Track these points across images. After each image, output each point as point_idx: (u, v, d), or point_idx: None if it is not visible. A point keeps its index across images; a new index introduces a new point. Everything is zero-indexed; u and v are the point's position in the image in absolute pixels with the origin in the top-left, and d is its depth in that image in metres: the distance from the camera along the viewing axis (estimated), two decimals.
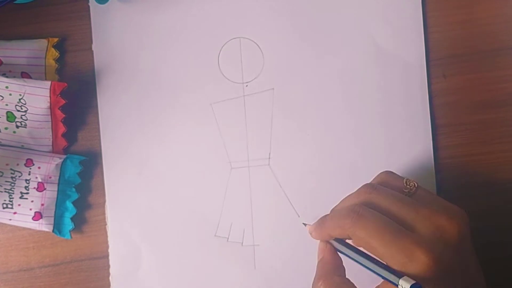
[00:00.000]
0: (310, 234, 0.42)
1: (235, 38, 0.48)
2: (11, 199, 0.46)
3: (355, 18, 0.47)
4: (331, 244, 0.40)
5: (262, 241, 0.47)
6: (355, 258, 0.38)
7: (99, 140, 0.47)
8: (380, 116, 0.47)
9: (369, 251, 0.37)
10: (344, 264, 0.40)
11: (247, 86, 0.48)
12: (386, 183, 0.41)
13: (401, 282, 0.34)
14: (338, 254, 0.40)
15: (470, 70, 0.47)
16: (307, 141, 0.47)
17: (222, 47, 0.48)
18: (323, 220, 0.41)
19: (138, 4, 0.48)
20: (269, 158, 0.47)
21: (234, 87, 0.48)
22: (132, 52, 0.48)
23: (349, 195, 0.40)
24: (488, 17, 0.47)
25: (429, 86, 0.47)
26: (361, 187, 0.40)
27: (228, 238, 0.47)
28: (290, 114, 0.47)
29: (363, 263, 0.37)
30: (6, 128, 0.46)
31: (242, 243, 0.47)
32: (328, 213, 0.41)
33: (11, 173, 0.46)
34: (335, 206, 0.41)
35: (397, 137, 0.47)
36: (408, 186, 0.39)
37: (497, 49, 0.47)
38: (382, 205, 0.38)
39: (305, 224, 0.43)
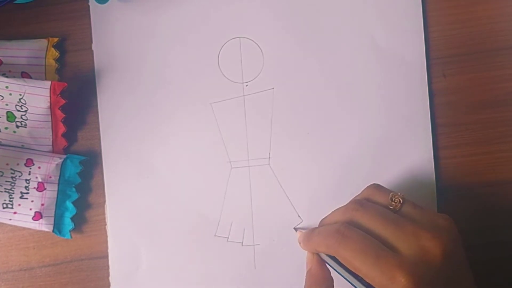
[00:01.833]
0: (299, 243, 0.42)
1: (235, 38, 0.48)
2: (11, 199, 0.46)
3: (355, 17, 0.47)
4: (318, 255, 0.41)
5: (262, 241, 0.47)
6: (340, 273, 0.39)
7: (99, 140, 0.47)
8: (380, 115, 0.47)
9: (353, 271, 0.37)
10: (333, 275, 0.40)
11: (247, 86, 0.48)
12: (373, 198, 0.41)
13: None
14: (325, 266, 0.41)
15: (470, 70, 0.47)
16: (307, 141, 0.47)
17: (222, 47, 0.48)
18: (311, 233, 0.41)
19: (138, 4, 0.48)
20: (269, 158, 0.47)
21: (234, 87, 0.48)
22: (132, 52, 0.48)
23: (338, 209, 0.41)
24: (488, 17, 0.47)
25: (429, 85, 0.47)
26: (348, 203, 0.41)
27: (228, 238, 0.47)
28: (290, 114, 0.47)
29: (348, 279, 0.38)
30: (6, 128, 0.46)
31: (242, 243, 0.47)
32: (317, 226, 0.42)
33: (11, 173, 0.46)
34: (324, 218, 0.42)
35: (397, 136, 0.47)
36: (393, 203, 0.39)
37: (497, 49, 0.47)
38: (367, 223, 0.38)
39: (296, 230, 0.43)
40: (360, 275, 0.37)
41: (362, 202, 0.40)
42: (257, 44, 0.48)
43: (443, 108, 0.47)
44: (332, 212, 0.41)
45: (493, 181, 0.47)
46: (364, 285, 0.37)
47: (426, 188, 0.46)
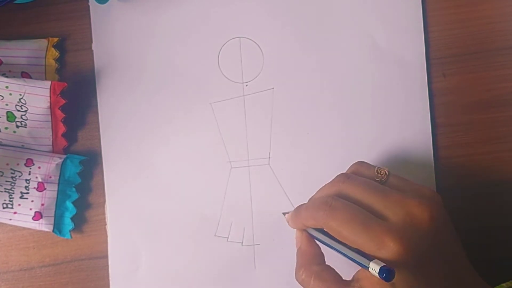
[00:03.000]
0: (287, 223, 0.43)
1: (235, 38, 0.48)
2: (11, 199, 0.46)
3: (354, 17, 0.47)
4: (307, 232, 0.41)
5: (262, 241, 0.47)
6: (329, 244, 0.39)
7: (99, 140, 0.47)
8: (380, 115, 0.47)
9: (342, 240, 0.38)
10: (324, 251, 0.41)
11: (247, 85, 0.48)
12: (359, 172, 0.41)
13: (371, 264, 0.35)
14: (315, 242, 0.41)
15: (470, 70, 0.47)
16: (307, 141, 0.47)
17: (222, 47, 0.48)
18: (299, 209, 0.42)
19: (138, 4, 0.48)
20: (269, 157, 0.47)
21: (234, 86, 0.48)
22: (132, 52, 0.48)
23: (325, 185, 0.41)
24: (488, 16, 0.47)
25: (429, 85, 0.47)
26: (336, 176, 0.41)
27: (228, 238, 0.47)
28: (290, 114, 0.47)
29: (337, 249, 0.38)
30: (6, 128, 0.46)
31: (242, 243, 0.47)
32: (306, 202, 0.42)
33: (11, 173, 0.46)
34: (313, 196, 0.42)
35: (397, 136, 0.47)
36: (379, 174, 0.40)
37: (497, 49, 0.47)
38: (354, 194, 0.39)
39: (284, 214, 0.43)
40: (349, 244, 0.37)
41: (348, 175, 0.40)
42: (257, 44, 0.48)
43: (443, 108, 0.47)
44: (320, 188, 0.42)
45: (493, 181, 0.47)
46: (353, 251, 0.37)
47: None
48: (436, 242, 0.37)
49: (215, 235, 0.47)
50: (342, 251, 0.38)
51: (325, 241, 0.39)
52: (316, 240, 0.41)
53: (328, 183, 0.41)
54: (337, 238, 0.38)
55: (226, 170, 0.47)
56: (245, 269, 0.47)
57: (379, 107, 0.47)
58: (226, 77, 0.48)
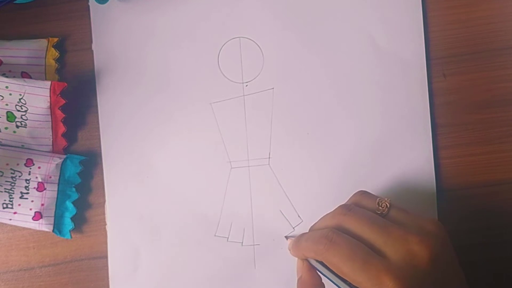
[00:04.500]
0: (289, 250, 0.43)
1: (235, 38, 0.48)
2: (11, 199, 0.46)
3: (355, 17, 0.47)
4: (308, 262, 0.41)
5: (262, 241, 0.47)
6: (330, 278, 0.39)
7: (99, 140, 0.47)
8: (380, 115, 0.47)
9: (342, 276, 0.37)
10: (324, 281, 0.40)
11: (247, 85, 0.48)
12: (360, 203, 0.41)
13: None
14: (316, 272, 0.41)
15: (470, 70, 0.47)
16: (307, 141, 0.47)
17: (222, 47, 0.48)
18: (299, 239, 0.41)
19: (138, 4, 0.48)
20: (269, 158, 0.47)
21: (234, 86, 0.48)
22: (132, 52, 0.48)
23: (326, 215, 0.41)
24: (488, 17, 0.47)
25: (429, 85, 0.47)
26: (337, 208, 0.41)
27: (228, 238, 0.47)
28: (290, 114, 0.47)
29: (337, 284, 0.38)
30: (6, 128, 0.46)
31: (242, 243, 0.47)
32: (307, 231, 0.42)
33: (11, 173, 0.46)
34: (313, 224, 0.42)
35: (397, 136, 0.47)
36: (380, 207, 0.40)
37: (497, 49, 0.47)
38: (355, 228, 0.38)
39: (286, 238, 0.43)
40: (348, 280, 0.37)
41: (349, 207, 0.40)
42: (257, 44, 0.48)
43: (443, 108, 0.47)
44: (320, 218, 0.41)
45: (493, 181, 0.47)
46: None
47: (426, 188, 0.46)
48: (434, 280, 0.36)
49: (215, 235, 0.47)
50: (341, 286, 0.38)
51: (326, 274, 0.39)
52: (317, 271, 0.41)
53: (328, 214, 0.41)
54: (337, 273, 0.38)
55: (226, 170, 0.47)
56: (245, 269, 0.47)
57: (379, 107, 0.47)
58: (226, 77, 0.48)
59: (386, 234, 0.37)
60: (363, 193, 0.42)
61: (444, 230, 0.38)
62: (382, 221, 0.38)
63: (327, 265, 0.38)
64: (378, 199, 0.40)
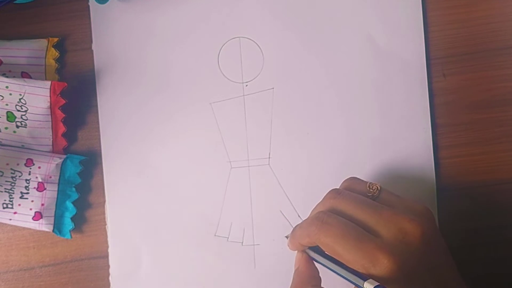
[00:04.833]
0: (288, 246, 0.43)
1: (235, 38, 0.48)
2: (11, 199, 0.46)
3: (355, 17, 0.47)
4: (306, 253, 0.41)
5: (262, 241, 0.47)
6: (325, 264, 0.39)
7: (99, 140, 0.48)
8: (380, 115, 0.47)
9: (336, 257, 0.38)
10: (321, 274, 0.40)
11: (247, 85, 0.48)
12: (351, 187, 0.41)
13: (366, 284, 0.35)
14: (313, 264, 0.41)
15: (470, 69, 0.47)
16: (307, 141, 0.47)
17: (222, 47, 0.48)
18: (294, 229, 0.41)
19: (138, 4, 0.48)
20: (269, 158, 0.47)
21: (234, 86, 0.48)
22: (132, 52, 0.48)
23: (318, 203, 0.41)
24: (488, 16, 0.47)
25: (429, 85, 0.47)
26: (328, 192, 0.41)
27: (228, 238, 0.47)
28: (290, 114, 0.47)
29: (333, 269, 0.38)
30: (6, 128, 0.46)
31: (242, 243, 0.47)
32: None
33: (11, 173, 0.46)
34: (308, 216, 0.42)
35: (397, 136, 0.47)
36: (371, 190, 0.40)
37: (497, 48, 0.47)
38: (346, 210, 0.39)
39: (287, 238, 0.43)
40: (342, 261, 0.37)
41: (339, 191, 0.40)
42: (257, 44, 0.48)
43: (443, 108, 0.47)
44: (313, 208, 0.42)
45: (493, 180, 0.47)
46: (348, 271, 0.37)
47: (426, 188, 0.46)
48: (426, 258, 0.37)
49: (215, 235, 0.47)
50: (338, 271, 0.38)
51: (322, 262, 0.39)
52: (315, 262, 0.41)
53: (320, 201, 0.41)
54: (331, 254, 0.38)
55: (226, 170, 0.47)
56: (245, 269, 0.47)
57: (379, 107, 0.47)
58: (226, 77, 0.48)
59: (377, 214, 0.38)
60: (353, 178, 0.43)
61: (432, 214, 0.39)
62: (373, 203, 0.39)
63: (322, 246, 0.38)
64: (368, 182, 0.41)
